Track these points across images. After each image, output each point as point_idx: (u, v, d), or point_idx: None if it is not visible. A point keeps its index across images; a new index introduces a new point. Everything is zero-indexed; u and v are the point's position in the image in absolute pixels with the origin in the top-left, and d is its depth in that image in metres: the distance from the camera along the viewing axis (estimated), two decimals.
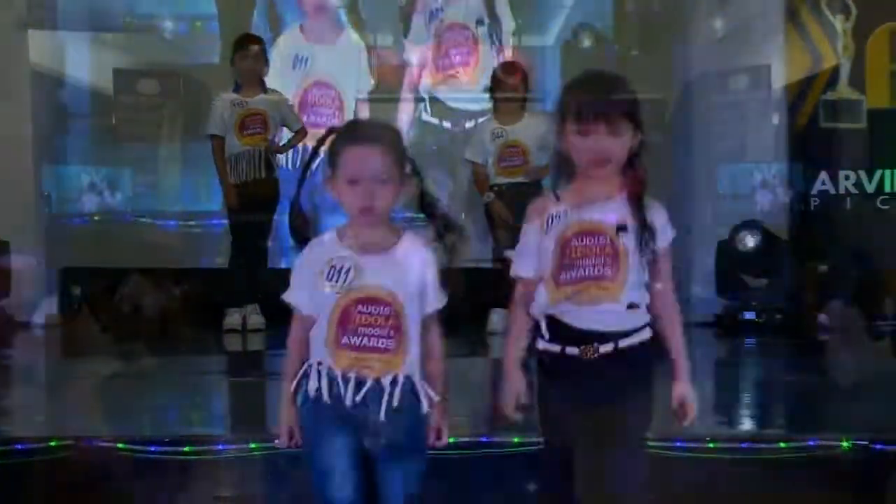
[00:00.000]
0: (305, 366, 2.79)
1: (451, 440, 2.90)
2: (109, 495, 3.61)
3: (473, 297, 5.08)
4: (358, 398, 2.71)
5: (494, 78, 6.78)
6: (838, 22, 7.23)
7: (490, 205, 6.47)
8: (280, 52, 7.62)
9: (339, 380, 2.73)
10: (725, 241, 6.96)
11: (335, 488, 2.75)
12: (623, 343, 2.73)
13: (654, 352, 2.79)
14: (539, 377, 2.82)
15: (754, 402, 4.94)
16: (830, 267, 6.75)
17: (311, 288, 2.78)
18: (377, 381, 2.73)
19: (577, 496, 2.70)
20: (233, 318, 6.54)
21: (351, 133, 2.85)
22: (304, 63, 7.64)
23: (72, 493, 3.63)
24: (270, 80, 6.75)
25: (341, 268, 2.74)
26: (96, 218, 7.77)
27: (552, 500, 2.90)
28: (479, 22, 7.72)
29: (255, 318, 6.53)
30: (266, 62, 6.70)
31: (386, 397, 2.72)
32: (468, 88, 7.71)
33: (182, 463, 3.70)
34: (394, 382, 2.73)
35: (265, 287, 6.29)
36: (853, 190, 7.12)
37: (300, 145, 6.77)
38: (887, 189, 7.01)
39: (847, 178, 7.11)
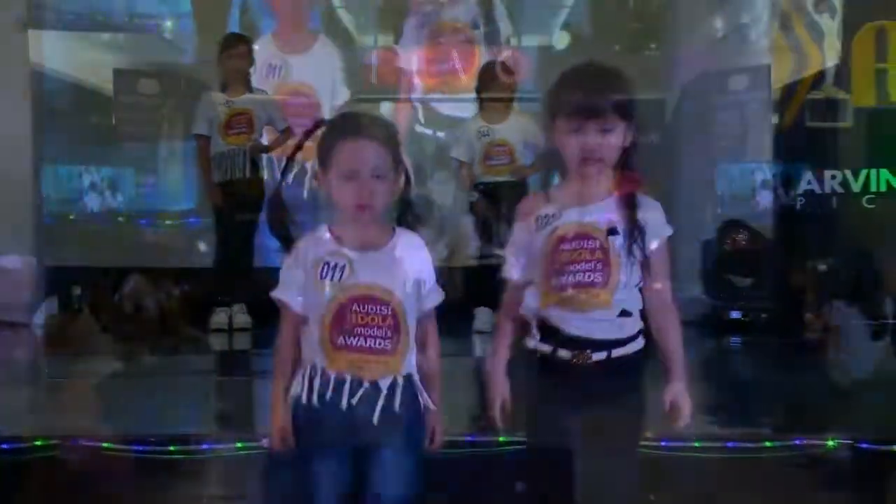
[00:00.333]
0: (299, 366, 2.72)
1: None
2: (94, 495, 3.58)
3: (456, 295, 5.06)
4: (353, 401, 2.63)
5: (480, 77, 6.78)
6: (823, 21, 7.25)
7: (475, 204, 6.48)
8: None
9: (333, 382, 2.65)
10: (711, 240, 6.99)
11: (328, 493, 2.69)
12: (616, 352, 2.67)
13: (646, 360, 2.72)
14: (528, 377, 2.75)
15: (741, 401, 4.92)
16: (817, 266, 6.76)
17: (302, 286, 2.69)
18: (374, 384, 2.65)
19: (562, 499, 2.65)
20: (219, 318, 6.52)
21: (345, 126, 2.76)
22: (278, 72, 7.49)
23: (57, 493, 3.61)
24: None
25: (335, 265, 2.66)
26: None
27: (534, 501, 2.83)
28: (475, 26, 7.57)
29: (241, 318, 6.52)
30: (252, 62, 6.70)
31: (382, 400, 2.65)
32: (464, 95, 7.42)
33: (168, 462, 3.68)
34: (392, 385, 2.67)
35: (251, 286, 6.33)
36: (839, 189, 7.13)
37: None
38: (873, 189, 7.02)
39: (833, 177, 7.13)
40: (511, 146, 6.48)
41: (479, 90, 6.72)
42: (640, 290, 2.71)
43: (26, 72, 7.17)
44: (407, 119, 7.57)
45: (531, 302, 2.72)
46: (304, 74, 7.57)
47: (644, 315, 2.72)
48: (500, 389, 2.76)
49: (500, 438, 3.61)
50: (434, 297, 2.77)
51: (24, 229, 7.04)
